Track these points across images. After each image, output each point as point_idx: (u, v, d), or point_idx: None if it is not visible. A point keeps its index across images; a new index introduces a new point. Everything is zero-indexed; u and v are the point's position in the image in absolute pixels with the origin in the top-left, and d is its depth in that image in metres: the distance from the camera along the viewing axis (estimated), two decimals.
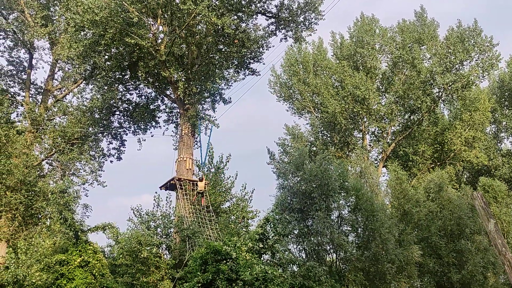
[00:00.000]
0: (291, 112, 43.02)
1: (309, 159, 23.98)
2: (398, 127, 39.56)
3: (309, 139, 41.31)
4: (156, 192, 25.32)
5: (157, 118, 30.46)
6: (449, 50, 35.69)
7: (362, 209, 23.11)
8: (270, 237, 20.02)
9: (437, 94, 37.44)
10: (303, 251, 22.70)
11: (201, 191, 24.31)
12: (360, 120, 39.34)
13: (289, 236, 21.99)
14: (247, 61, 27.94)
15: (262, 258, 19.81)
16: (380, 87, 39.40)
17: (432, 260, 25.95)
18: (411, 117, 38.69)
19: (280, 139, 41.00)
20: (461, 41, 35.56)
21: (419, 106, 36.65)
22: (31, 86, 30.27)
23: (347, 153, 39.11)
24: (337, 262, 23.11)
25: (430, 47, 36.99)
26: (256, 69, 28.14)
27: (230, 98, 28.14)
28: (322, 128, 40.93)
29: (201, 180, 24.74)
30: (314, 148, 39.21)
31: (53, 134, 27.99)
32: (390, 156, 39.40)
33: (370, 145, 40.08)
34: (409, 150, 39.05)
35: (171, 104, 30.10)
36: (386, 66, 39.17)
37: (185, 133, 26.73)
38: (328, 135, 40.92)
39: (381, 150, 39.40)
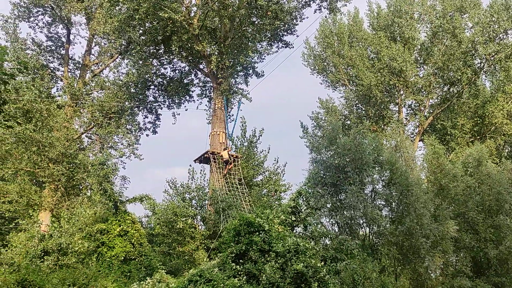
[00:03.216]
0: (325, 85, 42.44)
1: (343, 133, 23.70)
2: (436, 100, 38.37)
3: (343, 113, 40.72)
4: (190, 165, 25.87)
5: (190, 92, 30.81)
6: (493, 19, 33.97)
7: (397, 183, 22.77)
8: (303, 210, 20.15)
9: (479, 65, 35.91)
10: (336, 225, 22.73)
11: (225, 160, 25.28)
12: (396, 93, 38.40)
13: (321, 210, 22.02)
14: (281, 34, 27.61)
15: (294, 231, 20.01)
16: (418, 58, 38.14)
17: (469, 235, 25.46)
18: (451, 90, 37.39)
19: (314, 113, 40.60)
20: (506, 8, 33.75)
21: (459, 78, 35.36)
22: (70, 61, 31.04)
23: (382, 126, 38.38)
24: (370, 236, 23.04)
25: (472, 15, 35.28)
26: (289, 42, 27.84)
27: (263, 72, 28.07)
28: (356, 101, 40.22)
29: (224, 149, 25.69)
30: (348, 122, 38.67)
31: (92, 108, 28.75)
32: (427, 130, 38.40)
33: (406, 118, 39.15)
34: (448, 124, 37.92)
35: (204, 78, 30.29)
36: (425, 36, 37.76)
37: (218, 107, 26.95)
38: (363, 109, 40.20)
39: (417, 124, 38.44)
